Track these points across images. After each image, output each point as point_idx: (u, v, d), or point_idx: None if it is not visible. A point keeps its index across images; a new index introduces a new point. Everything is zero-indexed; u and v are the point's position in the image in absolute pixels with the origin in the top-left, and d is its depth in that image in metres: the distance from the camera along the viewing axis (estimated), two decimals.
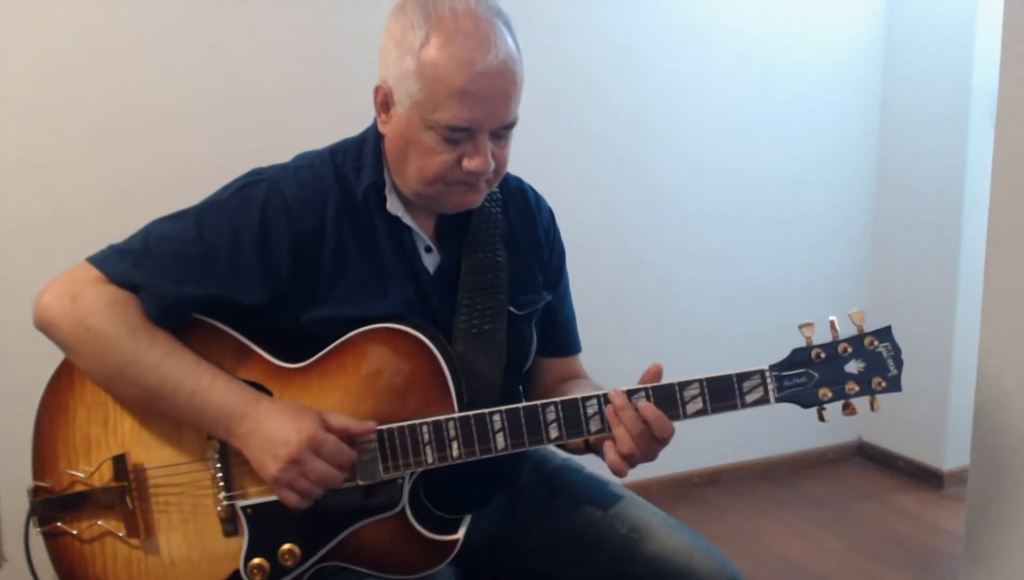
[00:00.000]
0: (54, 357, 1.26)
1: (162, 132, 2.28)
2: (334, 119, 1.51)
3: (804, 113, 3.14)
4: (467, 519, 1.26)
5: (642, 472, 1.25)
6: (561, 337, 1.47)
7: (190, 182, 1.34)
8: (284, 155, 1.37)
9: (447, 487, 1.26)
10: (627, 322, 2.91)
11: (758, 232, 3.12)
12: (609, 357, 1.58)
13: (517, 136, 1.28)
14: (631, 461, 1.20)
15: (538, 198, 1.45)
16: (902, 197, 3.21)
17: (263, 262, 1.22)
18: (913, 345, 1.25)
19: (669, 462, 1.25)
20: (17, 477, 1.35)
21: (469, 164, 1.20)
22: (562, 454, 1.45)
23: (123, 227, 1.29)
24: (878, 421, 3.32)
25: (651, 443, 1.20)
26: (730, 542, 2.68)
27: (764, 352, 1.25)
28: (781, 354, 1.23)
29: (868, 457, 3.38)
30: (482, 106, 1.18)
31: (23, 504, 1.25)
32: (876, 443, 3.36)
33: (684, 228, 3.01)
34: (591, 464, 1.41)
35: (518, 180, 1.44)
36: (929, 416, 3.10)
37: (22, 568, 1.27)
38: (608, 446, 1.20)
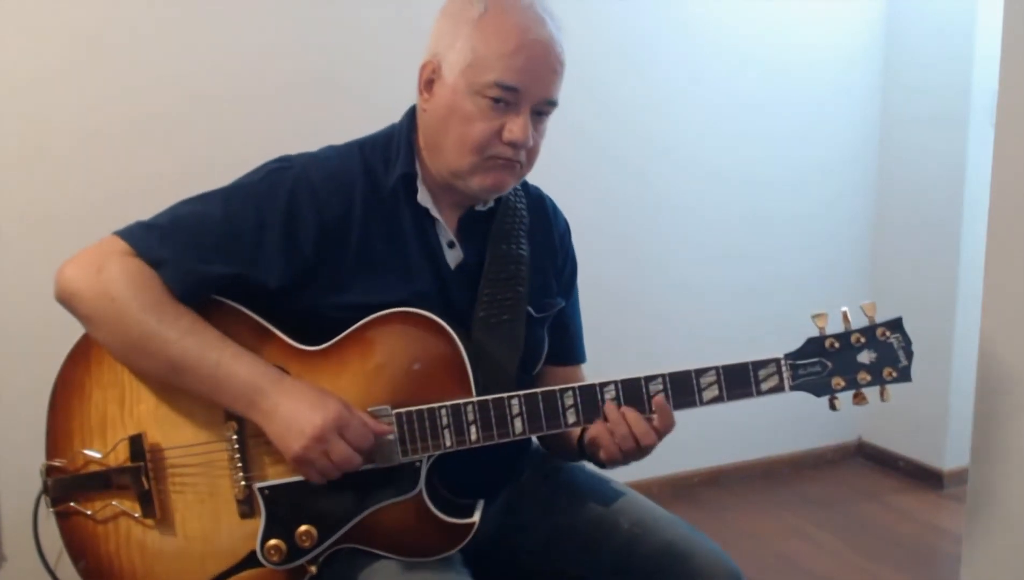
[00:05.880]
0: (50, 364, 1.26)
1: (162, 132, 2.28)
2: (335, 117, 1.51)
3: (804, 113, 3.14)
4: (481, 503, 1.27)
5: (643, 472, 1.26)
6: (568, 346, 1.48)
7: (191, 181, 1.34)
8: (287, 152, 1.37)
9: (457, 476, 1.27)
10: (626, 321, 2.91)
11: (758, 232, 3.13)
12: (609, 357, 1.58)
13: None
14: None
15: (555, 208, 1.48)
16: (902, 197, 3.21)
17: (288, 245, 1.23)
18: (913, 345, 1.25)
19: (669, 462, 1.26)
20: (17, 478, 1.35)
21: (510, 135, 1.23)
22: None
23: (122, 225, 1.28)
24: (878, 421, 3.32)
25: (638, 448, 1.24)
26: (730, 542, 2.66)
27: (764, 353, 1.25)
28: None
29: (868, 457, 3.38)
30: (531, 70, 1.22)
31: (22, 505, 1.25)
32: (876, 443, 3.36)
33: (683, 228, 3.01)
34: None
35: (537, 189, 1.47)
36: (929, 416, 3.10)
37: (22, 568, 1.27)
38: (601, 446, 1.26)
